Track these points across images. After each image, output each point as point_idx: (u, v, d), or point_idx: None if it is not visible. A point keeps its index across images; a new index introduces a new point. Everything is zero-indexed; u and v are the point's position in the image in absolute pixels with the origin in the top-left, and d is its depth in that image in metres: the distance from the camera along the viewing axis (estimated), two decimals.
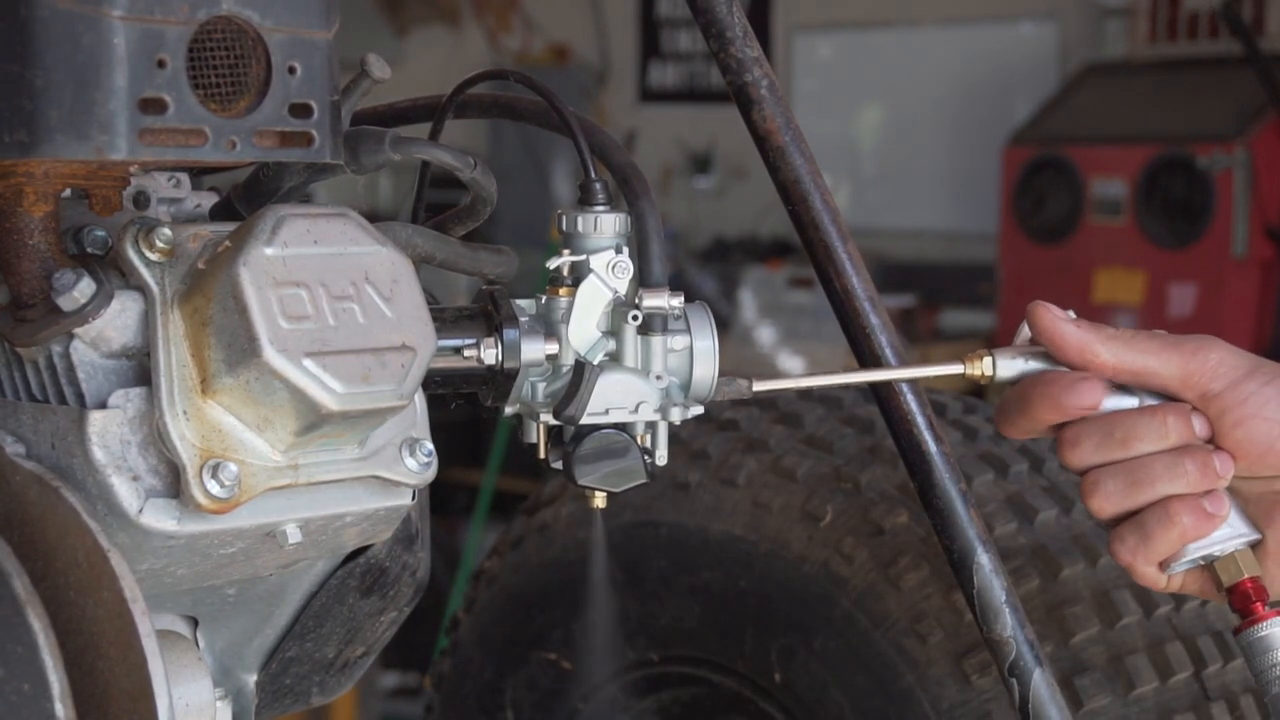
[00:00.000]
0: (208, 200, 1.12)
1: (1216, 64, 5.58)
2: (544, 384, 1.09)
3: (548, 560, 1.63)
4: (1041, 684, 1.20)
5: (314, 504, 0.98)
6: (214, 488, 0.92)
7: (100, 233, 1.01)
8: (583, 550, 1.60)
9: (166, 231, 0.95)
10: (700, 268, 6.87)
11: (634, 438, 1.08)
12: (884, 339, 1.23)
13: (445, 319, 1.06)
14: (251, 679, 1.15)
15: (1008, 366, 1.12)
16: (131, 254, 0.94)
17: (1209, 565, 1.11)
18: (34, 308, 0.95)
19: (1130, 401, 1.11)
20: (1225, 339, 1.10)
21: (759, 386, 1.12)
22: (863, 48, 7.50)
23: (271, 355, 0.90)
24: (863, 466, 1.49)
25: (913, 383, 1.24)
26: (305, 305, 0.92)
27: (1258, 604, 1.09)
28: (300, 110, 0.97)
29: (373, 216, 1.00)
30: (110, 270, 0.96)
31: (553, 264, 1.08)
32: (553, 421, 1.07)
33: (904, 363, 1.24)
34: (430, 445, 1.02)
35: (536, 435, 1.10)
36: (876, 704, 1.40)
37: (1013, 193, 5.79)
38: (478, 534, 5.51)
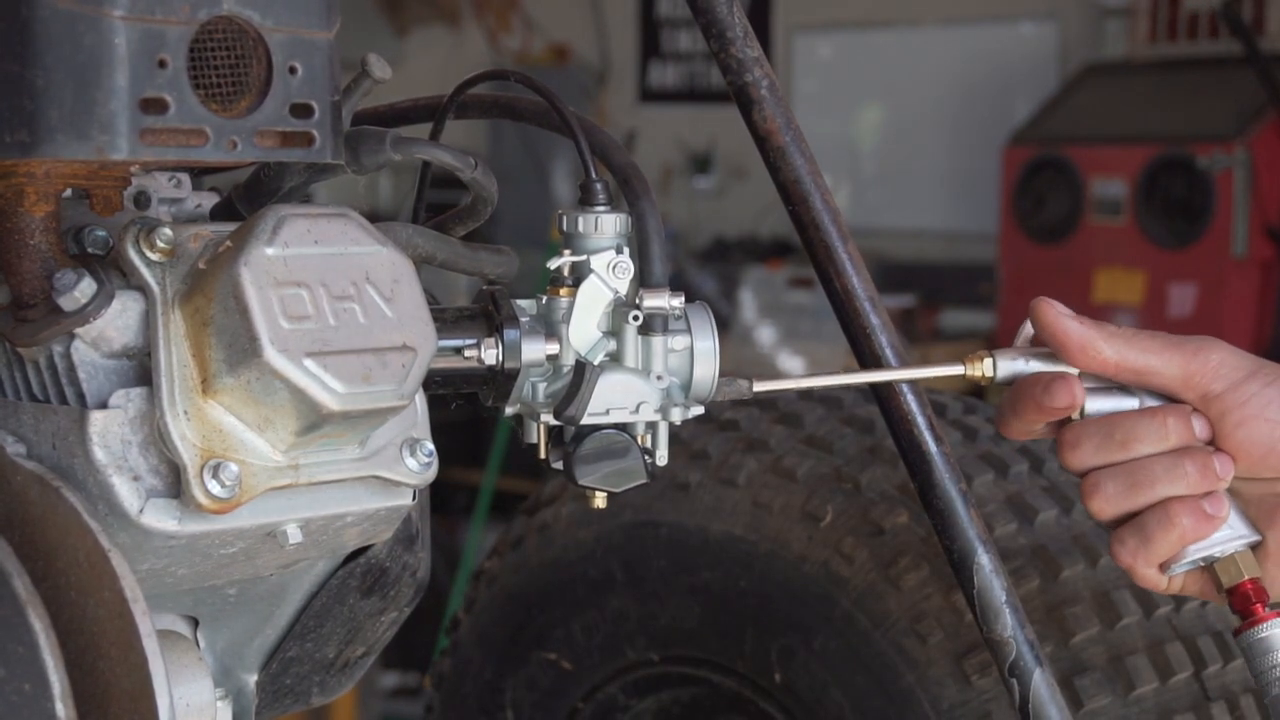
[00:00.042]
0: (208, 200, 1.12)
1: (1216, 64, 5.58)
2: (544, 384, 1.09)
3: (548, 560, 1.63)
4: (1041, 684, 1.20)
5: (315, 504, 0.98)
6: (215, 488, 0.92)
7: (101, 233, 1.01)
8: (583, 550, 1.60)
9: (167, 231, 0.95)
10: (700, 268, 6.87)
11: (634, 438, 1.08)
12: (884, 339, 1.23)
13: (446, 319, 1.06)
14: (252, 679, 1.15)
15: (1008, 368, 1.12)
16: (132, 254, 0.94)
17: (1209, 567, 1.11)
18: (35, 308, 0.95)
19: (1130, 403, 1.11)
20: (1225, 339, 1.11)
21: (759, 387, 1.12)
22: (863, 48, 7.50)
23: (272, 355, 0.90)
24: (863, 467, 1.49)
25: (913, 383, 1.24)
26: (306, 305, 0.92)
27: (1258, 605, 1.09)
28: (301, 110, 0.97)
29: (373, 216, 1.00)
30: (111, 270, 0.96)
31: (553, 264, 1.08)
32: (553, 422, 1.07)
33: (904, 363, 1.24)
34: (431, 445, 1.02)
35: (537, 435, 1.10)
36: (876, 704, 1.40)
37: (1013, 193, 5.79)
38: (478, 534, 5.51)
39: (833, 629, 1.43)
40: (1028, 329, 1.13)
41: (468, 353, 1.06)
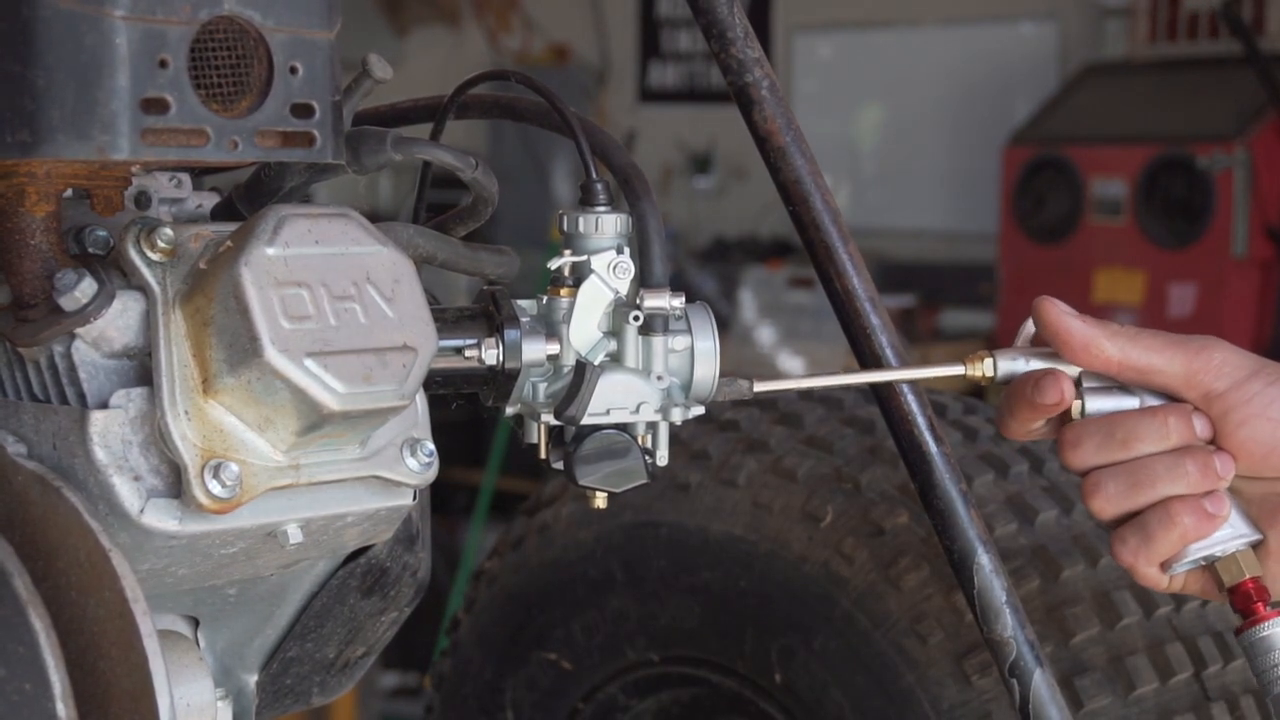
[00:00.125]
0: (209, 200, 1.12)
1: (1216, 64, 5.58)
2: (545, 384, 1.09)
3: (548, 560, 1.63)
4: (1042, 684, 1.20)
5: (315, 504, 0.98)
6: (215, 488, 0.92)
7: (102, 233, 1.02)
8: (583, 550, 1.60)
9: (168, 231, 0.95)
10: (700, 268, 6.87)
11: (635, 438, 1.08)
12: (885, 340, 1.23)
13: (446, 319, 1.06)
14: (252, 679, 1.15)
15: (1008, 367, 1.12)
16: (133, 254, 0.95)
17: (1210, 566, 1.11)
18: (36, 308, 0.95)
19: (1131, 402, 1.11)
20: (1225, 339, 1.11)
21: (760, 387, 1.12)
22: (863, 48, 7.50)
23: (273, 355, 0.90)
24: (863, 467, 1.49)
25: (913, 383, 1.24)
26: (307, 305, 0.92)
27: (1259, 604, 1.09)
28: (302, 110, 0.97)
29: (374, 216, 1.00)
30: (112, 270, 0.96)
31: (554, 264, 1.08)
32: (554, 422, 1.07)
33: (905, 363, 1.24)
34: (431, 445, 1.02)
35: (537, 436, 1.10)
36: (876, 704, 1.40)
37: (1013, 193, 5.79)
38: (478, 534, 5.51)
39: (833, 629, 1.43)
40: (1028, 329, 1.13)
41: (468, 353, 1.06)
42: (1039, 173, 5.71)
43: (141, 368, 0.96)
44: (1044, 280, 5.46)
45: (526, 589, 1.65)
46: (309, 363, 0.90)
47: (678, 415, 1.08)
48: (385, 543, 1.10)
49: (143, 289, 0.95)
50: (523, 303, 1.09)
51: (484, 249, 1.15)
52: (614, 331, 1.08)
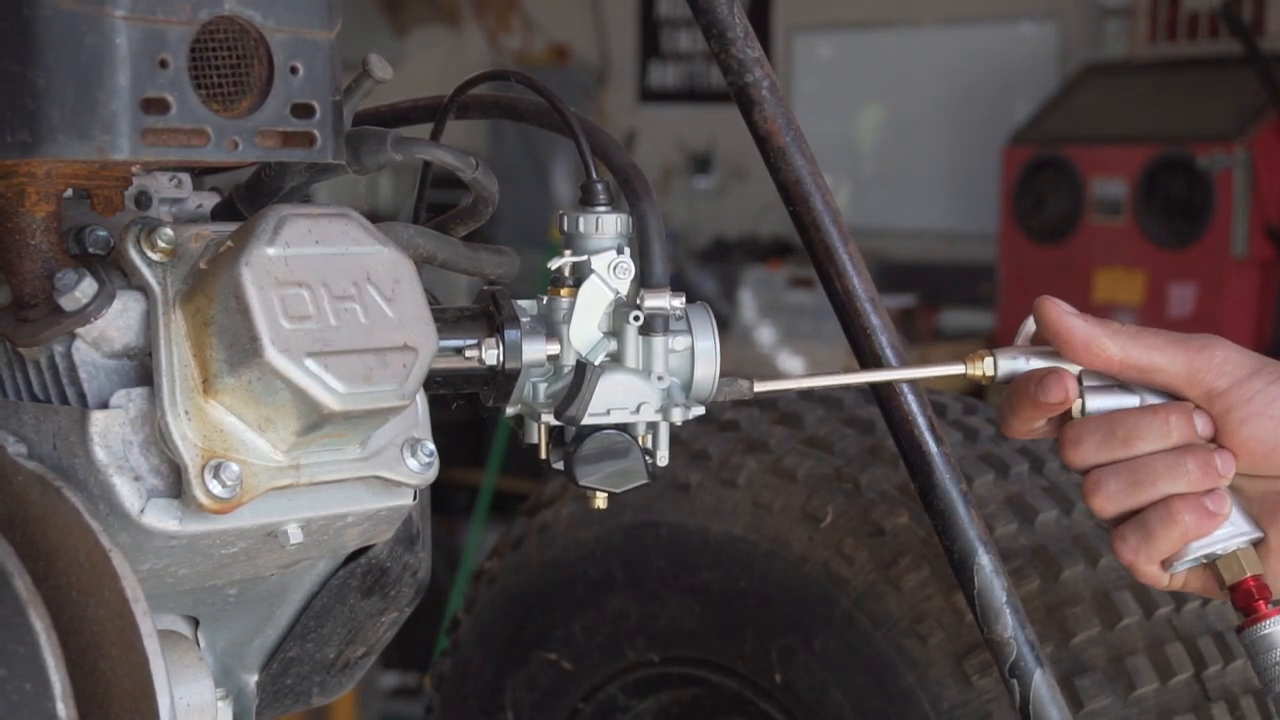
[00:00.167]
0: (209, 200, 1.12)
1: (1216, 64, 5.58)
2: (545, 384, 1.09)
3: (548, 561, 1.63)
4: (1042, 685, 1.20)
5: (316, 504, 0.98)
6: (216, 488, 0.92)
7: (102, 233, 1.02)
8: (583, 550, 1.60)
9: (168, 231, 0.95)
10: (700, 268, 6.87)
11: (635, 438, 1.08)
12: (885, 340, 1.23)
13: (447, 319, 1.06)
14: (252, 679, 1.15)
15: (1008, 367, 1.12)
16: (133, 254, 0.95)
17: (1211, 564, 1.11)
18: (36, 308, 0.95)
19: (1131, 400, 1.11)
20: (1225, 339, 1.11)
21: (760, 387, 1.12)
22: (863, 48, 7.50)
23: (273, 355, 0.90)
24: (863, 467, 1.49)
25: (913, 383, 1.24)
26: (307, 305, 0.92)
27: (1260, 602, 1.09)
28: (302, 110, 0.97)
29: (374, 217, 1.00)
30: (112, 270, 0.96)
31: (554, 264, 1.08)
32: (554, 422, 1.07)
33: (905, 363, 1.24)
34: (431, 445, 1.02)
35: (538, 436, 1.10)
36: (877, 704, 1.40)
37: (1013, 193, 5.79)
38: (478, 534, 5.51)
39: (833, 629, 1.43)
40: (1028, 327, 1.13)
41: (469, 353, 1.06)
42: (1039, 173, 5.71)
43: (142, 368, 0.96)
44: (1044, 280, 5.46)
45: (526, 589, 1.65)
46: (309, 363, 0.90)
47: (678, 415, 1.08)
48: (386, 543, 1.10)
49: (143, 289, 0.95)
50: (523, 303, 1.09)
51: (484, 249, 1.15)
52: (614, 332, 1.08)
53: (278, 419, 0.93)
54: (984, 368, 1.12)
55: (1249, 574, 1.09)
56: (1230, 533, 1.09)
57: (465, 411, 1.21)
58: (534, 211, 7.05)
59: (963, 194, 7.09)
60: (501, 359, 1.06)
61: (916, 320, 6.10)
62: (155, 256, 0.95)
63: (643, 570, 1.55)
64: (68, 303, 0.93)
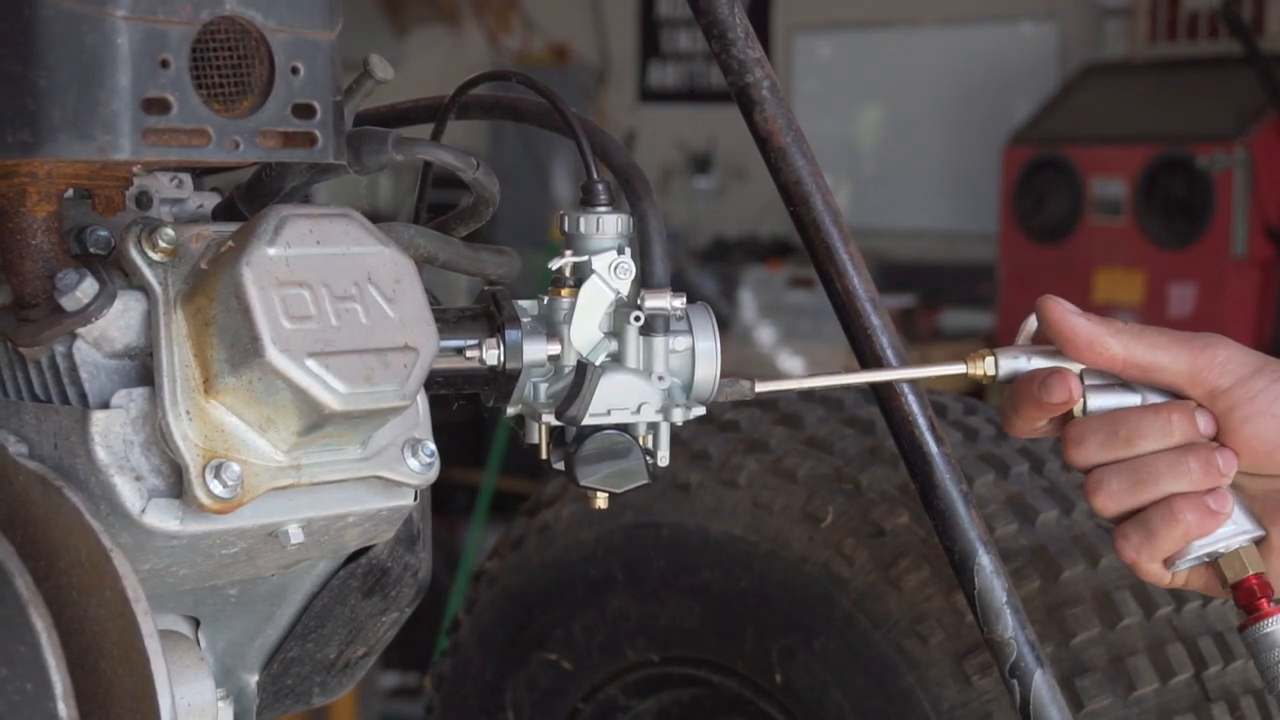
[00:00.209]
0: (210, 200, 1.12)
1: (1216, 64, 5.58)
2: (546, 385, 1.09)
3: (548, 561, 1.63)
4: (1042, 685, 1.20)
5: (316, 504, 0.98)
6: (217, 488, 0.92)
7: (103, 233, 1.02)
8: (584, 551, 1.60)
9: (169, 231, 0.95)
10: (700, 268, 6.87)
11: (636, 438, 1.08)
12: (885, 340, 1.23)
13: (448, 319, 1.06)
14: (253, 679, 1.15)
15: (1010, 366, 1.12)
16: (134, 254, 0.95)
17: (1213, 562, 1.11)
18: (37, 308, 0.95)
19: (1133, 399, 1.11)
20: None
21: (761, 387, 1.12)
22: (863, 48, 7.51)
23: (274, 355, 0.90)
24: (863, 467, 1.49)
25: (914, 383, 1.24)
26: (308, 305, 0.92)
27: (1262, 600, 1.09)
28: (303, 110, 0.97)
29: (374, 217, 1.00)
30: (113, 270, 0.96)
31: (555, 265, 1.08)
32: (555, 422, 1.07)
33: (905, 363, 1.24)
34: (432, 446, 1.02)
35: (538, 436, 1.10)
36: (877, 704, 1.40)
37: (1013, 193, 5.79)
38: (478, 534, 5.51)
39: (833, 629, 1.43)
40: (1029, 326, 1.13)
41: (469, 353, 1.06)
42: (1039, 173, 5.71)
43: (143, 368, 0.96)
44: (1044, 280, 5.46)
45: (527, 589, 1.65)
46: (310, 363, 0.90)
47: (679, 415, 1.08)
48: (386, 543, 1.10)
49: (144, 289, 0.95)
50: (524, 303, 1.09)
51: (485, 249, 1.15)
52: (615, 332, 1.08)
53: (279, 419, 0.93)
54: (985, 367, 1.12)
55: (1251, 572, 1.10)
56: (1232, 531, 1.10)
57: (466, 411, 1.21)
58: (534, 211, 7.05)
59: (963, 194, 7.09)
60: (502, 359, 1.06)
61: (916, 320, 6.10)
62: (156, 256, 0.95)
63: (643, 570, 1.55)
64: (69, 303, 0.93)
